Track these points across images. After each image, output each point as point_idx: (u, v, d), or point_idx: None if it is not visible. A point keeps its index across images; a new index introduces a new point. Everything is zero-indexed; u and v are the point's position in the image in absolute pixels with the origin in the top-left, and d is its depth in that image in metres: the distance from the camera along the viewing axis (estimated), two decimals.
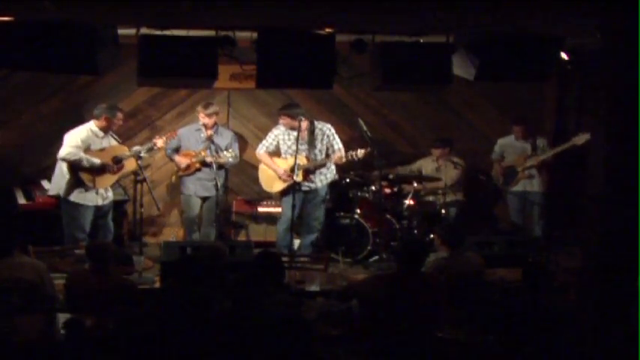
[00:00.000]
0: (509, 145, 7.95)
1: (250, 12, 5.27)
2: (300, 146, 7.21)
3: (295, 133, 7.29)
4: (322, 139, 7.42)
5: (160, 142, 7.19)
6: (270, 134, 7.61)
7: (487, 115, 8.63)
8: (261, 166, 7.65)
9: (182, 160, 7.44)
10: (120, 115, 7.05)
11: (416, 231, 7.64)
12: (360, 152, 7.24)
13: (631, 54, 4.12)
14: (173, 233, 8.12)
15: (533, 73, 6.27)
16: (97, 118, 6.94)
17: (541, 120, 8.54)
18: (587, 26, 5.14)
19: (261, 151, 7.60)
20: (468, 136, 8.55)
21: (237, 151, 7.50)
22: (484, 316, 4.79)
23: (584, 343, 4.39)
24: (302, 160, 7.25)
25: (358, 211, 7.66)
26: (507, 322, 4.54)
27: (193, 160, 7.38)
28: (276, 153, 7.60)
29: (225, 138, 7.52)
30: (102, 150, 6.96)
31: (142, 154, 7.07)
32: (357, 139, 8.00)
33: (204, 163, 7.36)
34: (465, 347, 4.50)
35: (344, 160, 7.36)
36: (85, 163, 6.80)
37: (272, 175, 7.53)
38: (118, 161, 6.97)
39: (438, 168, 8.01)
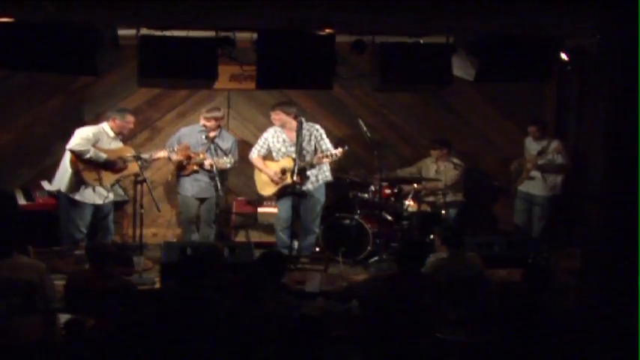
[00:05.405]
0: (527, 145, 7.96)
1: (250, 12, 5.27)
2: (288, 147, 7.24)
3: (284, 135, 7.31)
4: (310, 140, 7.35)
5: (162, 153, 7.27)
6: (260, 138, 7.58)
7: (487, 116, 8.62)
8: (256, 170, 7.64)
9: (178, 154, 7.34)
10: (129, 117, 7.17)
11: (416, 232, 7.63)
12: (339, 151, 7.19)
13: (630, 54, 4.12)
14: (173, 234, 8.11)
15: (533, 73, 6.27)
16: (107, 119, 7.12)
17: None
18: (587, 26, 5.15)
19: (253, 155, 7.58)
20: (468, 136, 8.54)
21: (236, 157, 7.50)
22: (484, 316, 4.79)
23: (584, 343, 4.39)
24: (289, 162, 7.23)
25: (358, 211, 7.65)
26: (507, 322, 4.53)
27: (192, 160, 7.37)
28: (269, 156, 7.58)
29: (226, 142, 7.51)
30: (108, 150, 7.01)
31: (145, 158, 7.10)
32: (356, 139, 8.00)
33: (202, 166, 7.35)
34: (465, 347, 4.50)
35: (324, 160, 7.29)
36: (92, 155, 6.85)
37: (265, 179, 7.52)
38: (122, 162, 7.03)
39: (437, 169, 8.01)
